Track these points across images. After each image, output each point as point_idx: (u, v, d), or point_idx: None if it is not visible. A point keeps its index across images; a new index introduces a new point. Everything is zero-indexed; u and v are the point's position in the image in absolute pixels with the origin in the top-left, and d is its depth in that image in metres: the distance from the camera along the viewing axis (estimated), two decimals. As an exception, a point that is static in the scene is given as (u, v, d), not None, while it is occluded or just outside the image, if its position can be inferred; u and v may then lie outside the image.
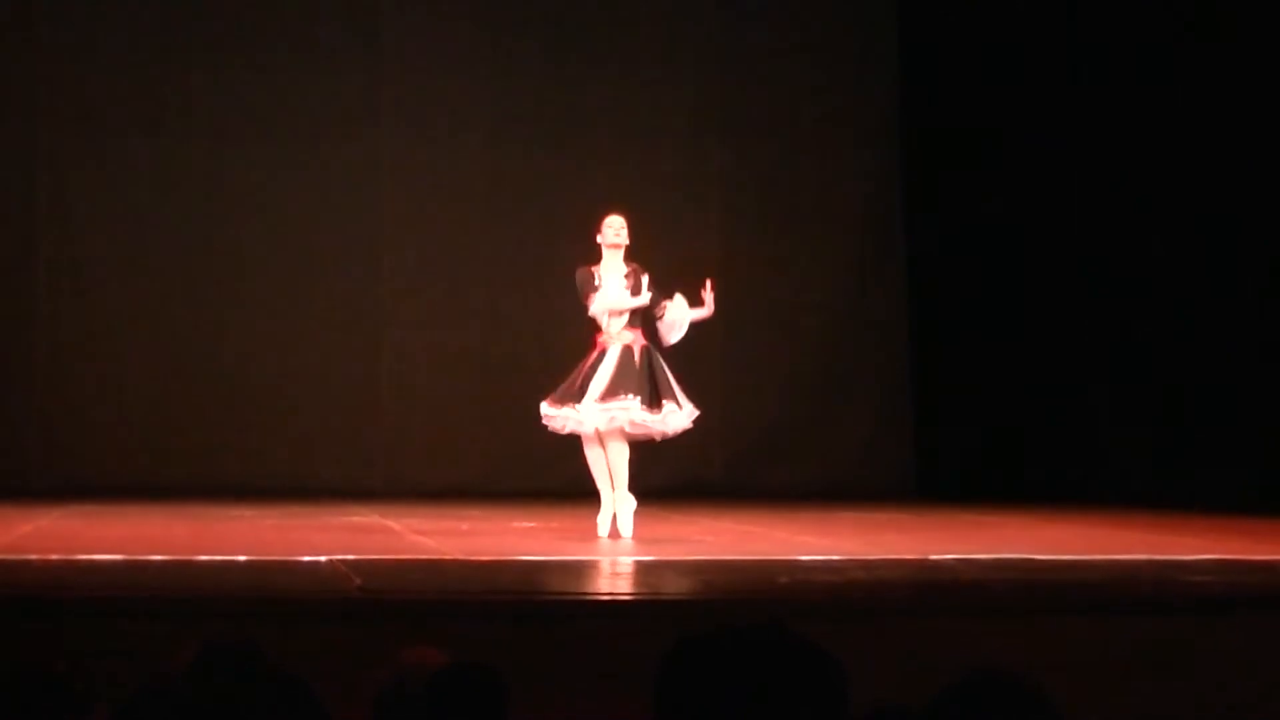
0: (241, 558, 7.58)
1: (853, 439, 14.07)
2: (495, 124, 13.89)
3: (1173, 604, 6.59)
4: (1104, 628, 6.17)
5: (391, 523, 10.09)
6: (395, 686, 3.08)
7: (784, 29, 14.20)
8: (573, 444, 10.02)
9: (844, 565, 7.82)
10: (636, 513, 9.40)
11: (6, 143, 13.34)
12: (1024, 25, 13.61)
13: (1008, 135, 13.63)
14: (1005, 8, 13.72)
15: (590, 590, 7.25)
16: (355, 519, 10.41)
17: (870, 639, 5.75)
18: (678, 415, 9.29)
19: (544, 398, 9.47)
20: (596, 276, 9.45)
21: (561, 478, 12.58)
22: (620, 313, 9.40)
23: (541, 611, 6.19)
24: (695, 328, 9.63)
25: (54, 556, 7.56)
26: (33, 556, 7.56)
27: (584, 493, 10.26)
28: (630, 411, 9.20)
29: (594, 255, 9.62)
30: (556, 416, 9.37)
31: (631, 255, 9.59)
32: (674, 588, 7.38)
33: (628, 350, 9.36)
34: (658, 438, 9.46)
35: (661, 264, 9.82)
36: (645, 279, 9.43)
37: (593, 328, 9.52)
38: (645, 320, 9.54)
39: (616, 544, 9.06)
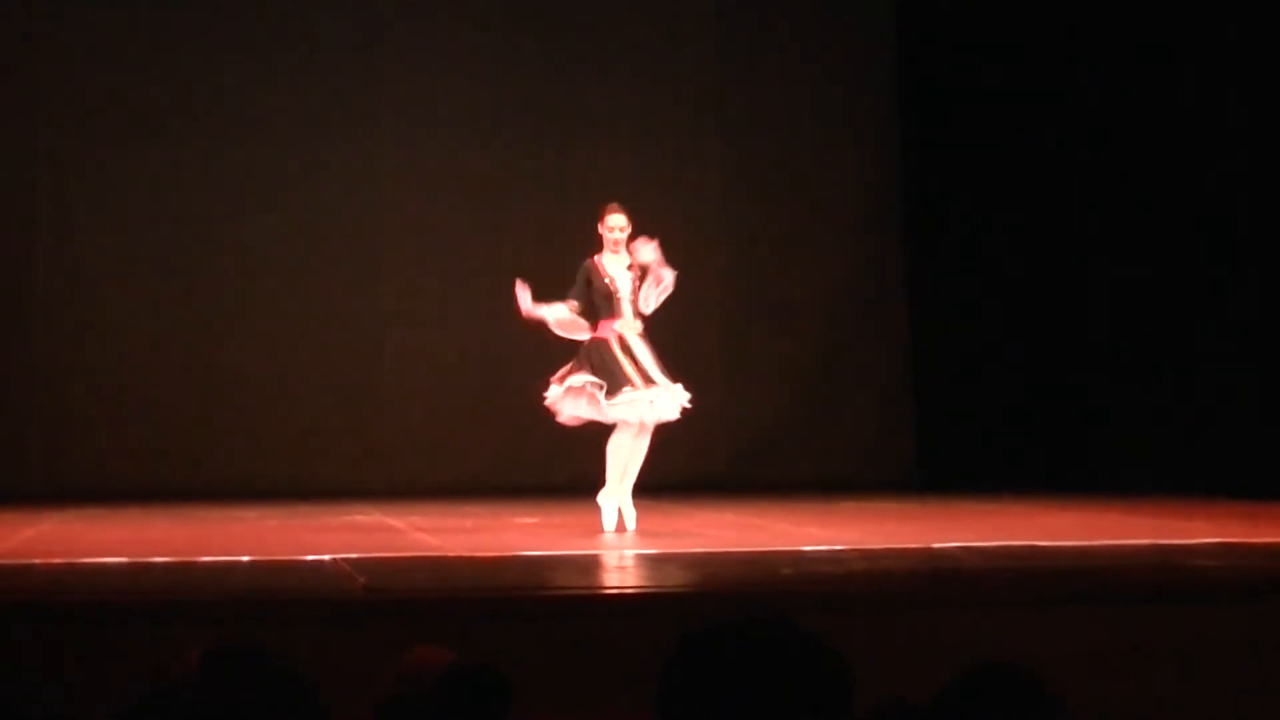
0: (245, 559, 7.57)
1: (855, 430, 14.07)
2: (495, 123, 13.89)
3: (1177, 590, 6.58)
4: (1108, 615, 6.17)
5: (394, 521, 10.09)
6: (400, 686, 3.08)
7: (783, 26, 14.20)
8: (575, 441, 10.02)
9: (847, 556, 7.82)
10: (639, 506, 9.42)
11: (5, 143, 13.34)
12: (1023, 21, 13.60)
13: (1007, 129, 13.62)
14: (1005, 3, 13.72)
15: (594, 585, 7.24)
16: (358, 518, 10.41)
17: (874, 630, 5.75)
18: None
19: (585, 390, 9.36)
20: (598, 273, 9.43)
21: (563, 474, 12.60)
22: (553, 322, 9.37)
23: (545, 607, 6.18)
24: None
25: (57, 560, 7.56)
26: (35, 561, 7.56)
27: (586, 488, 10.26)
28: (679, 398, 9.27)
29: (595, 249, 9.63)
30: (635, 400, 9.27)
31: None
32: (678, 581, 7.37)
33: (643, 339, 9.43)
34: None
35: (665, 253, 9.81)
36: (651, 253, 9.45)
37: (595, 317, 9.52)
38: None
39: (620, 538, 9.06)
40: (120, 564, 7.38)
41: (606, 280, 9.49)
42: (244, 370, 13.47)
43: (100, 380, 13.32)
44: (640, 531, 9.23)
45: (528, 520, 10.33)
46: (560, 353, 9.79)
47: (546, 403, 9.50)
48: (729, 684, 2.52)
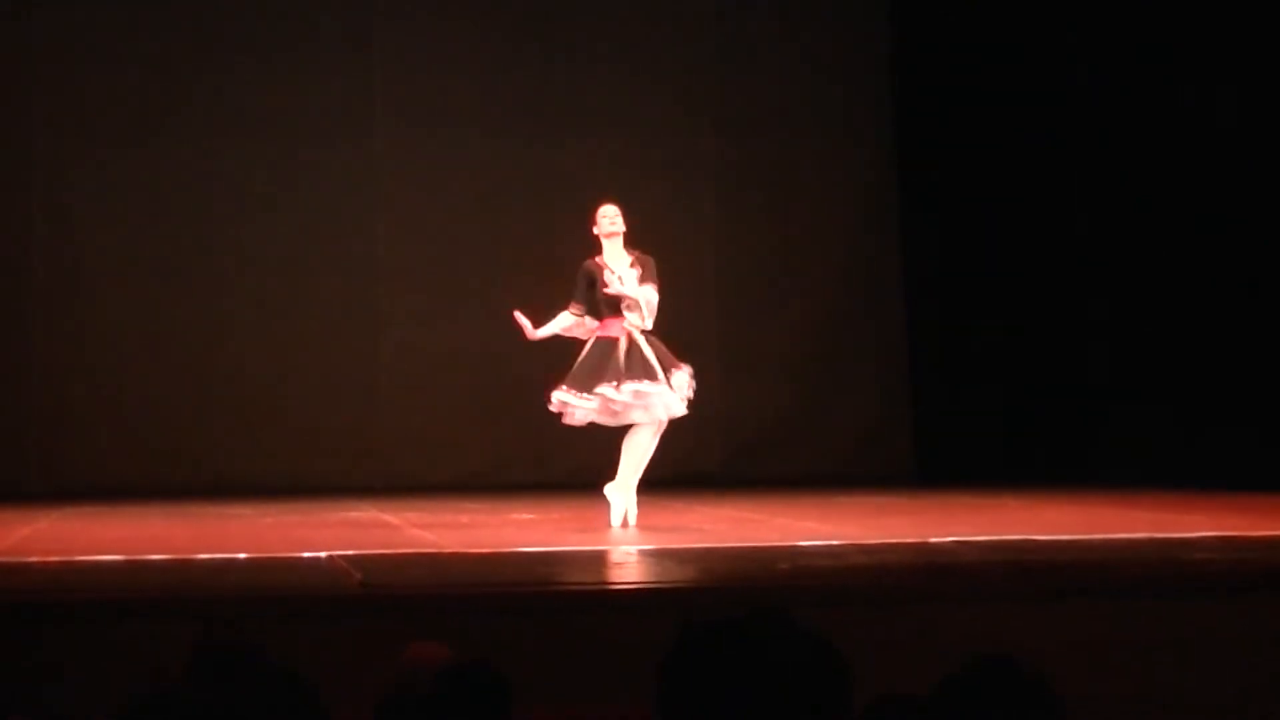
0: (242, 556, 7.57)
1: (852, 424, 14.08)
2: (492, 121, 13.88)
3: (1176, 583, 6.58)
4: (1106, 608, 6.17)
5: (391, 517, 10.08)
6: (400, 682, 3.07)
7: (779, 23, 14.19)
8: (571, 436, 10.01)
9: (845, 550, 7.82)
10: (640, 502, 9.42)
11: (3, 143, 13.32)
12: (1021, 19, 13.59)
13: (1005, 123, 13.63)
14: (1002, 2, 13.72)
15: (592, 580, 7.24)
16: (354, 514, 10.41)
17: (872, 624, 5.75)
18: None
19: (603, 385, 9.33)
20: (598, 271, 9.43)
21: (560, 470, 12.61)
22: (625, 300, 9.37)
23: (543, 603, 6.18)
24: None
25: (54, 558, 7.55)
26: (33, 559, 7.55)
27: (583, 484, 10.27)
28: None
29: (592, 248, 9.62)
30: (651, 393, 9.24)
31: (630, 243, 9.60)
32: (676, 576, 7.37)
33: (647, 335, 9.42)
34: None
35: (659, 260, 9.81)
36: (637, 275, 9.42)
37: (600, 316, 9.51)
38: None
39: (619, 534, 9.06)
40: (118, 562, 7.38)
41: (615, 278, 9.43)
42: (241, 368, 13.46)
43: (98, 378, 13.31)
44: (638, 527, 9.23)
45: (525, 516, 10.33)
46: (557, 347, 9.77)
47: (553, 408, 9.43)
48: (728, 679, 2.51)
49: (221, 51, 13.53)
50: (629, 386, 9.20)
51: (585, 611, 6.02)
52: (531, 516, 10.31)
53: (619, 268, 9.45)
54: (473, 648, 3.32)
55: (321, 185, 13.66)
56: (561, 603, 6.22)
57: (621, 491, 9.33)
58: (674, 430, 9.72)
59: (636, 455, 9.33)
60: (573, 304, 9.51)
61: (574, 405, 9.31)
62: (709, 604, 6.07)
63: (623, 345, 9.32)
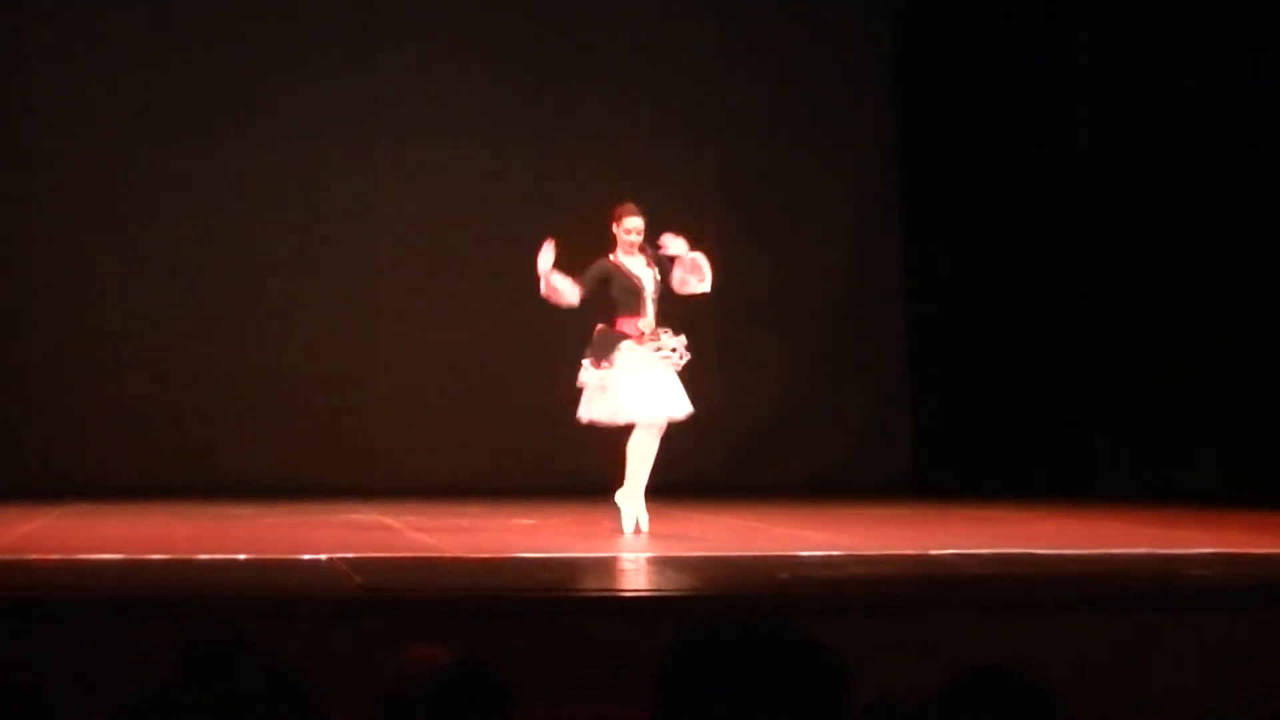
0: (241, 556, 7.57)
1: (851, 434, 14.08)
2: (492, 122, 13.89)
3: (1174, 597, 6.58)
4: (1104, 622, 6.17)
5: (391, 520, 10.08)
6: (398, 685, 3.07)
7: (782, 28, 14.20)
8: (571, 441, 10.02)
9: (844, 560, 7.81)
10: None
11: (4, 143, 13.33)
12: (1022, 22, 13.60)
13: (1008, 130, 13.63)
14: (1004, 4, 13.72)
15: (592, 587, 7.23)
16: (354, 517, 10.40)
17: (871, 634, 5.75)
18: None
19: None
20: (621, 271, 9.45)
21: (561, 475, 12.61)
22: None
23: (542, 608, 6.18)
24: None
25: (53, 556, 7.55)
26: (32, 557, 7.56)
27: (584, 489, 10.28)
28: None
29: (607, 245, 9.60)
30: (646, 400, 9.29)
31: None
32: (675, 584, 7.37)
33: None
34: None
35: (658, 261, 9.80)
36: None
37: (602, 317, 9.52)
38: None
39: (627, 540, 9.05)
40: (117, 561, 7.38)
41: (634, 279, 9.45)
42: (242, 368, 13.46)
43: (98, 377, 13.32)
44: (636, 534, 9.22)
45: (525, 521, 10.32)
46: (559, 350, 9.76)
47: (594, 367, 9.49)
48: (726, 687, 2.52)
49: (223, 52, 13.54)
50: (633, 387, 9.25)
51: (585, 618, 6.02)
52: (532, 521, 10.31)
53: (637, 268, 9.48)
54: (471, 651, 3.32)
55: (323, 187, 13.67)
56: (561, 608, 6.22)
57: (631, 498, 9.33)
58: (674, 435, 9.72)
59: (639, 459, 9.34)
60: (576, 279, 9.48)
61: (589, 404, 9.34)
62: (708, 612, 6.08)
63: (634, 345, 9.35)
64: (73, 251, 13.37)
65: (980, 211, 13.77)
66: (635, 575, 7.70)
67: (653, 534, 9.27)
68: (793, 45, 14.20)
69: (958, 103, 13.82)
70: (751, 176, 14.16)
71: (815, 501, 12.09)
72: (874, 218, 14.27)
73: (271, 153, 13.57)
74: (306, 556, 7.55)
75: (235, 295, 13.54)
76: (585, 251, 9.70)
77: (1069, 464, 13.33)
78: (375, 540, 8.74)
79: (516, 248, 13.72)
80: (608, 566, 7.96)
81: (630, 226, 9.53)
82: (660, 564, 7.95)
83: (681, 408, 9.35)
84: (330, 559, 7.39)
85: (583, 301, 9.47)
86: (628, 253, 9.54)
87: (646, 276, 9.49)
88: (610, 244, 9.60)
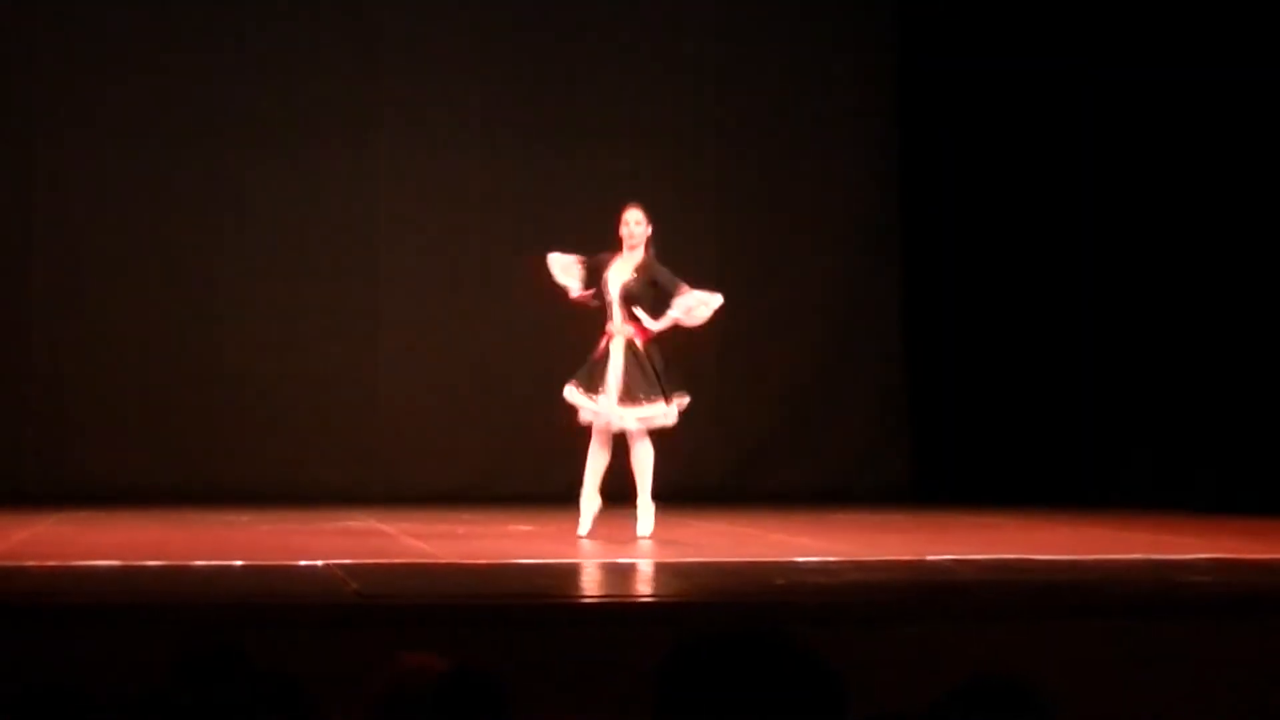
0: (238, 563, 7.57)
1: (849, 441, 14.07)
2: (492, 127, 13.89)
3: (1171, 604, 6.58)
4: (1101, 629, 6.17)
5: (387, 527, 10.08)
6: (394, 693, 3.07)
7: (782, 34, 14.20)
8: (568, 448, 10.02)
9: (840, 567, 7.81)
10: (627, 516, 9.43)
11: (3, 146, 13.33)
12: (1025, 30, 13.60)
13: (1007, 142, 13.63)
14: (1004, 7, 13.73)
15: (588, 593, 7.24)
16: (351, 523, 10.40)
17: (867, 641, 5.75)
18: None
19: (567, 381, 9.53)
20: (599, 270, 9.53)
21: (558, 481, 12.57)
22: (589, 303, 9.46)
23: (538, 615, 6.18)
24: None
25: (50, 563, 7.55)
26: (29, 563, 7.55)
27: (580, 496, 10.23)
28: (664, 416, 9.32)
29: (603, 246, 9.66)
30: (581, 406, 9.42)
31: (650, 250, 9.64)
32: (671, 591, 7.37)
33: (631, 345, 9.42)
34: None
35: (660, 261, 9.81)
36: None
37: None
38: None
39: (619, 547, 9.04)
40: (113, 567, 7.38)
41: (604, 281, 9.50)
42: (239, 374, 13.45)
43: (96, 383, 13.31)
44: (634, 541, 9.23)
45: (521, 528, 10.33)
46: (557, 357, 9.76)
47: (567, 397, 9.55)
48: (722, 695, 2.51)
49: (223, 53, 13.53)
50: (625, 408, 9.29)
51: (581, 624, 6.02)
52: (528, 528, 10.31)
53: (617, 269, 9.50)
54: (467, 659, 3.32)
55: (323, 192, 13.67)
56: (557, 615, 6.22)
57: (645, 506, 9.39)
58: (672, 445, 9.73)
59: (643, 467, 9.40)
60: (579, 258, 9.58)
61: (580, 404, 9.38)
62: (705, 618, 6.07)
63: (619, 354, 9.38)
64: (72, 257, 13.36)
65: (980, 220, 13.78)
66: (631, 582, 7.70)
67: (649, 541, 9.27)
68: (793, 49, 14.19)
69: (958, 104, 13.82)
70: (751, 182, 14.16)
71: (812, 508, 12.10)
72: (873, 225, 14.26)
73: (272, 158, 13.56)
74: (303, 563, 7.55)
75: (232, 301, 13.53)
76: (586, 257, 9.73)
77: (1066, 471, 13.33)
78: (371, 547, 8.73)
79: (515, 253, 13.78)
80: (603, 573, 7.96)
81: (625, 219, 9.59)
82: (656, 570, 7.95)
83: (617, 419, 9.39)
84: (326, 565, 7.39)
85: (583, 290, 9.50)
86: (629, 250, 9.53)
87: (617, 282, 9.48)
88: (619, 244, 9.67)
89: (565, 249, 10.03)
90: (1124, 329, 13.11)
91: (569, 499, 10.86)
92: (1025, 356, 13.66)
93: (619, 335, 9.45)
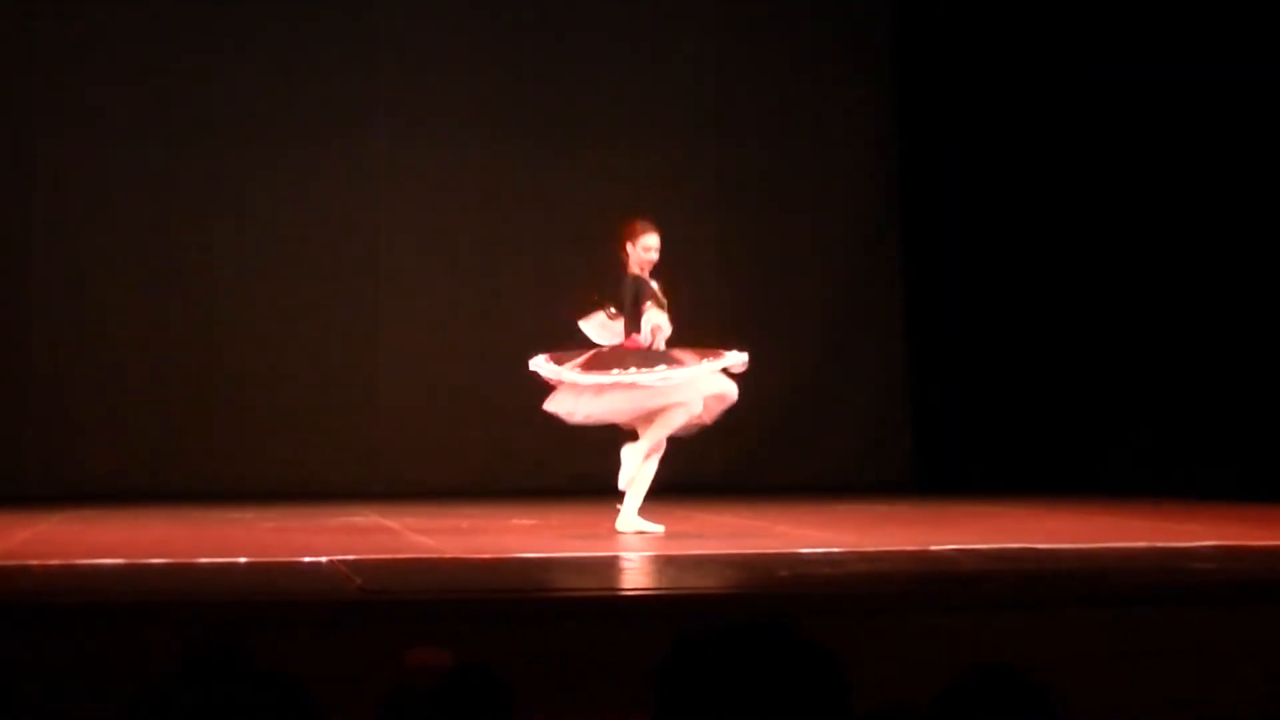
0: (241, 560, 7.56)
1: (852, 433, 14.08)
2: (492, 124, 13.89)
3: (1175, 592, 6.58)
4: (1106, 617, 6.16)
5: (391, 522, 10.08)
6: (400, 688, 3.07)
7: (782, 31, 14.20)
8: (571, 442, 10.01)
9: (844, 558, 7.81)
10: (640, 509, 9.40)
11: (3, 145, 13.32)
12: (1024, 28, 13.59)
13: (1006, 133, 13.63)
14: (1004, 7, 13.72)
15: (592, 587, 7.23)
16: (354, 519, 10.40)
17: (872, 632, 5.75)
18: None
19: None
20: (651, 291, 9.16)
21: (561, 475, 12.61)
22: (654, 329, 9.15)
23: (543, 609, 6.18)
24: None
25: (53, 562, 7.55)
26: (32, 562, 7.55)
27: (584, 490, 10.27)
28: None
29: (620, 260, 9.44)
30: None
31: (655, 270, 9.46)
32: (675, 583, 7.36)
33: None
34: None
35: (660, 264, 9.78)
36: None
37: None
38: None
39: (619, 540, 9.04)
40: (116, 565, 7.37)
41: (659, 298, 9.17)
42: (241, 371, 13.46)
43: (97, 381, 13.31)
44: (637, 534, 9.21)
45: (525, 522, 10.32)
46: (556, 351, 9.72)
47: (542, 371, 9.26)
48: (726, 687, 2.51)
49: (223, 53, 13.53)
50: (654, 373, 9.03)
51: (585, 618, 6.01)
52: (532, 522, 10.30)
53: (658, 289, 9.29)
54: (472, 654, 3.31)
55: (322, 188, 13.67)
56: (561, 609, 6.21)
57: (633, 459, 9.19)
58: (676, 438, 9.71)
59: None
60: (610, 307, 9.24)
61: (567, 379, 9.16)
62: (708, 611, 6.07)
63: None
64: (72, 257, 13.36)
65: (980, 218, 13.78)
66: (634, 575, 7.69)
67: (653, 534, 9.26)
68: (793, 49, 14.19)
69: (958, 103, 13.82)
70: (751, 177, 14.16)
71: (815, 500, 12.10)
72: (874, 221, 14.27)
73: (272, 158, 13.57)
74: (306, 559, 7.54)
75: (234, 297, 13.53)
76: (585, 256, 9.68)
77: (1068, 460, 13.34)
78: (375, 542, 8.73)
79: (516, 249, 13.80)
80: (607, 567, 7.95)
81: (649, 244, 9.20)
82: (660, 563, 7.95)
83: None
84: (330, 561, 7.38)
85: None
86: (644, 269, 9.27)
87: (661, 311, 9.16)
88: (623, 264, 9.35)
89: (564, 250, 10.05)
90: (1123, 319, 13.11)
91: (571, 493, 10.89)
92: (1026, 347, 13.67)
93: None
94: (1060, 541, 8.51)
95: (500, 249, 13.78)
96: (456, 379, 13.68)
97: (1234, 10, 12.22)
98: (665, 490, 9.60)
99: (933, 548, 8.16)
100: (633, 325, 9.17)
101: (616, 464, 9.41)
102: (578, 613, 6.10)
